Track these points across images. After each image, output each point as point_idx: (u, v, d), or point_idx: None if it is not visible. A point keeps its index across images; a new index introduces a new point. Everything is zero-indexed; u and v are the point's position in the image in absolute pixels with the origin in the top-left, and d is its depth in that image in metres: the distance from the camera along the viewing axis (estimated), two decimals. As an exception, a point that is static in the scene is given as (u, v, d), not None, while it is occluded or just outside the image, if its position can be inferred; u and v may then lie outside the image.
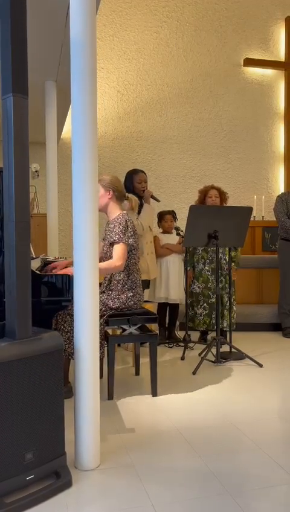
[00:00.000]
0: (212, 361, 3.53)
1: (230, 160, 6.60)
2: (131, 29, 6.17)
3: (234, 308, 3.98)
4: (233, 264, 3.98)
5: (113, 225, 2.83)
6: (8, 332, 1.69)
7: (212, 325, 3.92)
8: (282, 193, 4.86)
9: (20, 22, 1.64)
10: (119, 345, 4.08)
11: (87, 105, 1.83)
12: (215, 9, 6.47)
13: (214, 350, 3.59)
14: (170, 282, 4.16)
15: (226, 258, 3.93)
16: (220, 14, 6.49)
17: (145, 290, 4.06)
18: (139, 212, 3.86)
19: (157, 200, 4.15)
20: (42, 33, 3.07)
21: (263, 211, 6.46)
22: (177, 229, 4.30)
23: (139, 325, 2.83)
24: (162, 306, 4.29)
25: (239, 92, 6.62)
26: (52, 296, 2.34)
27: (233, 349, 3.65)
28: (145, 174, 4.06)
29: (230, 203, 4.38)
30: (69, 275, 2.32)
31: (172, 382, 3.08)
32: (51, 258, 3.29)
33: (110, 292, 2.86)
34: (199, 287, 4.02)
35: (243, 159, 6.66)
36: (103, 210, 2.92)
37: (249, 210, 3.67)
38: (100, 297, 2.80)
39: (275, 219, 4.76)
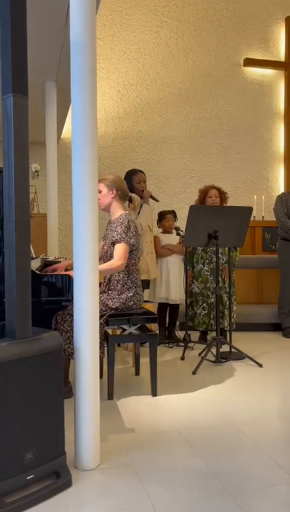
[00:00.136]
0: (212, 361, 3.53)
1: (230, 160, 6.60)
2: (131, 29, 6.17)
3: (234, 308, 3.98)
4: (226, 264, 3.95)
5: (115, 224, 2.83)
6: (8, 332, 1.69)
7: (212, 324, 3.92)
8: (282, 193, 4.86)
9: (20, 22, 1.65)
10: (119, 345, 4.08)
11: (87, 105, 1.83)
12: (215, 9, 6.47)
13: (214, 350, 3.59)
14: (170, 282, 4.16)
15: (224, 258, 3.93)
16: (220, 14, 6.49)
17: (145, 290, 4.06)
18: (139, 212, 3.86)
19: (156, 200, 4.15)
20: (42, 33, 3.07)
21: (263, 211, 6.46)
22: (177, 229, 4.30)
23: (139, 325, 2.83)
24: (162, 306, 4.29)
25: (239, 92, 6.61)
26: (52, 296, 2.34)
27: (233, 349, 3.65)
28: (144, 174, 4.05)
29: (230, 203, 4.37)
30: (69, 275, 2.32)
31: (172, 382, 3.08)
32: (51, 258, 3.29)
33: (110, 292, 2.86)
34: (198, 287, 4.02)
35: (243, 159, 6.65)
36: (106, 209, 2.92)
37: (249, 210, 3.67)
38: (100, 297, 2.80)
39: (275, 219, 4.76)
